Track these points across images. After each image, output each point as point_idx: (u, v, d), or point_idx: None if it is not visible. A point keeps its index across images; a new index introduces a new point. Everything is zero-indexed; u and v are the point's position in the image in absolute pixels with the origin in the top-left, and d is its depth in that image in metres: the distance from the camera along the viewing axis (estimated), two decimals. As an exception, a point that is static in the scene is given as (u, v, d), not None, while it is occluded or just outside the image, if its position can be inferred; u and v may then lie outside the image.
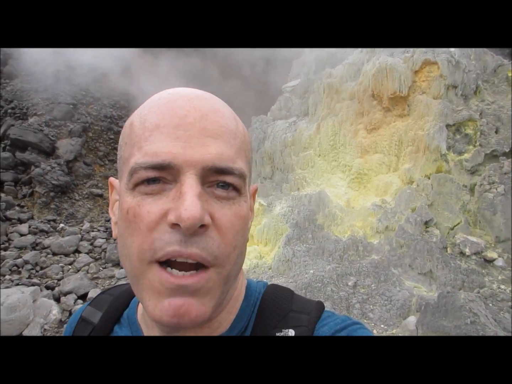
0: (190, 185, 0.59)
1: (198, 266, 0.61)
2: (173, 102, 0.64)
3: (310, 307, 0.78)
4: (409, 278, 8.89)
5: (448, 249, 9.10)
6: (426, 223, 9.54)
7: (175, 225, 0.59)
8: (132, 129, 0.66)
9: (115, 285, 1.00)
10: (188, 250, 0.59)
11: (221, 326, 0.75)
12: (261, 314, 0.77)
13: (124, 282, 1.02)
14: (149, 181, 0.61)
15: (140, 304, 0.83)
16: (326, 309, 0.80)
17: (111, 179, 0.77)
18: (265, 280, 0.90)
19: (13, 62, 18.68)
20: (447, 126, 10.33)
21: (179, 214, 0.57)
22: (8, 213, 13.52)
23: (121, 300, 0.88)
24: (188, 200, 0.58)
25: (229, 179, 0.63)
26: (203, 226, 0.59)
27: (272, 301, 0.79)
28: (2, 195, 14.16)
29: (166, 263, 0.61)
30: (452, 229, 9.48)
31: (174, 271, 0.61)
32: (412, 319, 7.78)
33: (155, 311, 0.61)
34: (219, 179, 0.63)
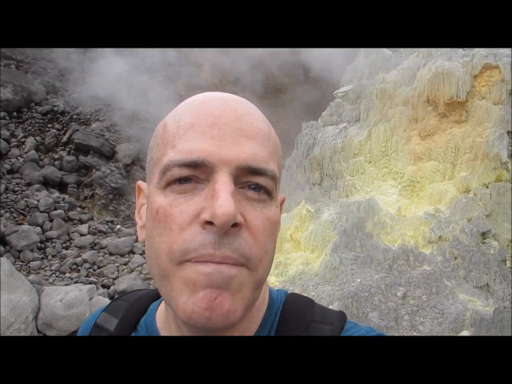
0: (224, 182, 0.59)
1: None
2: (208, 103, 0.65)
3: (332, 318, 0.75)
4: (463, 291, 8.50)
5: (507, 262, 8.63)
6: (483, 234, 9.08)
7: (207, 224, 0.58)
8: (165, 129, 0.66)
9: (130, 291, 0.97)
10: (221, 251, 0.58)
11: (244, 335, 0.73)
12: (282, 324, 0.74)
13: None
14: (181, 180, 0.61)
15: (159, 311, 0.80)
16: (348, 319, 0.77)
17: (139, 182, 0.76)
18: (284, 289, 0.89)
19: (80, 69, 19.87)
20: (509, 133, 9.79)
21: (213, 211, 0.56)
22: (70, 213, 14.33)
23: (137, 307, 0.85)
24: (223, 197, 0.57)
25: (261, 180, 0.62)
26: (236, 225, 0.58)
27: (293, 311, 0.76)
28: (66, 196, 15.05)
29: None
30: (512, 241, 8.97)
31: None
32: (465, 334, 7.44)
33: (187, 305, 0.58)
34: (251, 180, 0.62)
